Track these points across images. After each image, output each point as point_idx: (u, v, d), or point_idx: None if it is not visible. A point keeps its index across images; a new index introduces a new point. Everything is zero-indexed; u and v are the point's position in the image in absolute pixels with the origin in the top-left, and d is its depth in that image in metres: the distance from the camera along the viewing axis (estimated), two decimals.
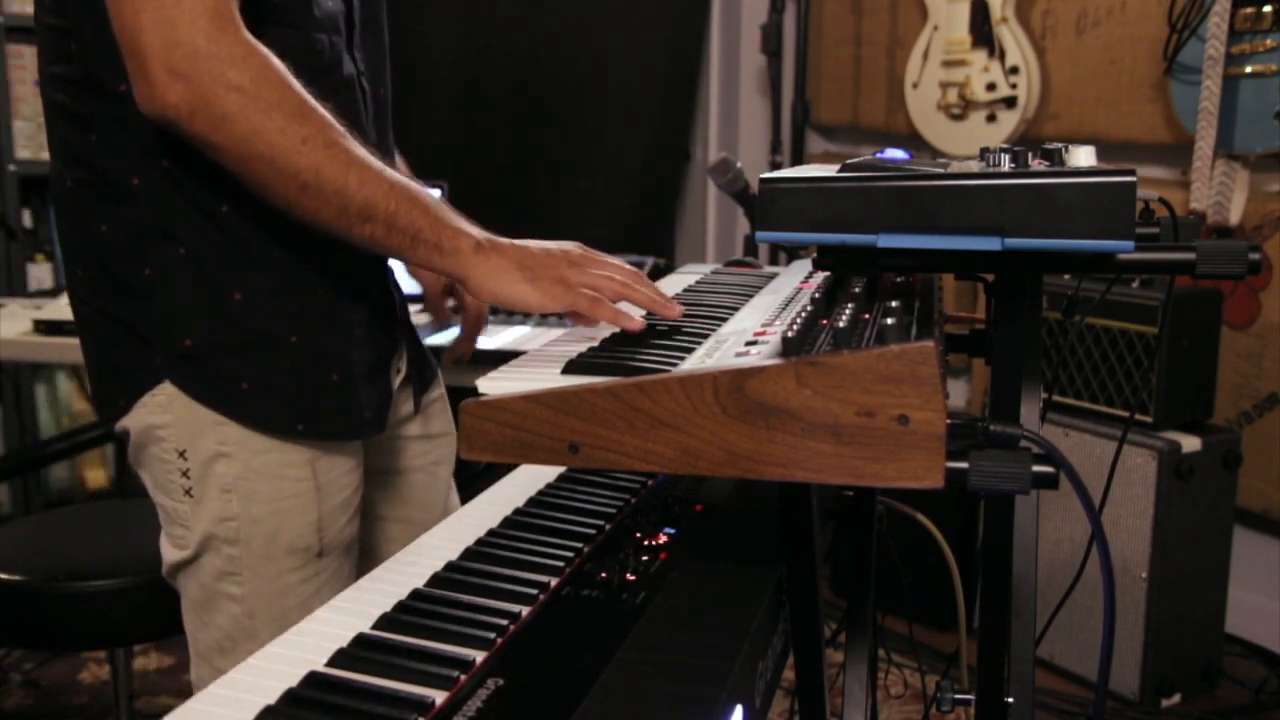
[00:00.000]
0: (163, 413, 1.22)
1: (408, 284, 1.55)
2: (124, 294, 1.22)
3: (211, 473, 1.22)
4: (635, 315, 1.14)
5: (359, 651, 0.83)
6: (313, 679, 0.78)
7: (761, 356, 0.86)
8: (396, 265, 1.40)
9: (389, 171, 1.16)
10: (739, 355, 0.89)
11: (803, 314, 0.88)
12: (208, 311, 1.21)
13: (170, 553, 1.28)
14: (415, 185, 1.18)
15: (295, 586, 1.27)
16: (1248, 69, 2.64)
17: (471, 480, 1.82)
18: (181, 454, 1.23)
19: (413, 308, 1.57)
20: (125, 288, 1.22)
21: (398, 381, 1.40)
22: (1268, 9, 2.59)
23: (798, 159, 3.97)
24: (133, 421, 1.24)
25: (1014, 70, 3.23)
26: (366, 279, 1.33)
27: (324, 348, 1.26)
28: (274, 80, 1.09)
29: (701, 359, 0.92)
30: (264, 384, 1.23)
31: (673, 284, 1.39)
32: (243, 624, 1.26)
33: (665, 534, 1.05)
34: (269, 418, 1.23)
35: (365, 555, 1.46)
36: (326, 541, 1.29)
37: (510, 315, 2.51)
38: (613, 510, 1.13)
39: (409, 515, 1.49)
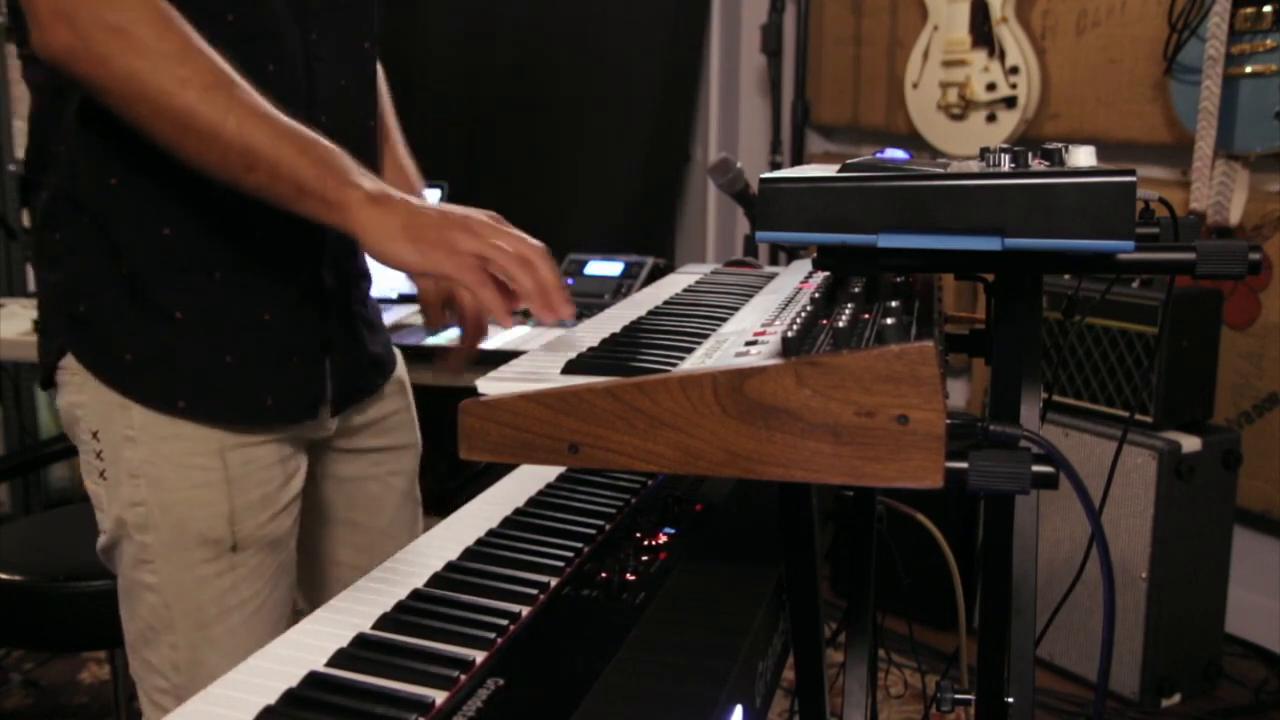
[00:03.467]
0: (77, 393, 1.24)
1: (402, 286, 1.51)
2: (45, 262, 1.26)
3: (121, 457, 1.23)
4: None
5: (359, 651, 0.83)
6: (313, 679, 0.78)
7: (761, 356, 0.86)
8: (375, 267, 1.32)
9: (283, 121, 1.10)
10: (739, 355, 0.89)
11: (803, 314, 0.88)
12: (104, 280, 1.21)
13: (99, 538, 1.30)
14: (311, 135, 1.11)
15: (210, 579, 1.25)
16: (1248, 69, 2.64)
17: (471, 480, 1.82)
18: (95, 435, 1.24)
19: (406, 309, 1.54)
20: (44, 256, 1.26)
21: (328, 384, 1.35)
22: (1268, 9, 2.59)
23: (798, 159, 3.97)
24: (60, 400, 1.26)
25: (1014, 70, 3.23)
26: (289, 266, 1.29)
27: (217, 329, 1.24)
28: (152, 20, 1.07)
29: (701, 359, 0.92)
30: (147, 357, 1.22)
31: (673, 284, 1.39)
32: (160, 614, 1.25)
33: (665, 534, 1.05)
34: (154, 393, 1.22)
35: (312, 555, 1.45)
36: (242, 535, 1.26)
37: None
38: (613, 510, 1.13)
39: (355, 519, 1.47)
